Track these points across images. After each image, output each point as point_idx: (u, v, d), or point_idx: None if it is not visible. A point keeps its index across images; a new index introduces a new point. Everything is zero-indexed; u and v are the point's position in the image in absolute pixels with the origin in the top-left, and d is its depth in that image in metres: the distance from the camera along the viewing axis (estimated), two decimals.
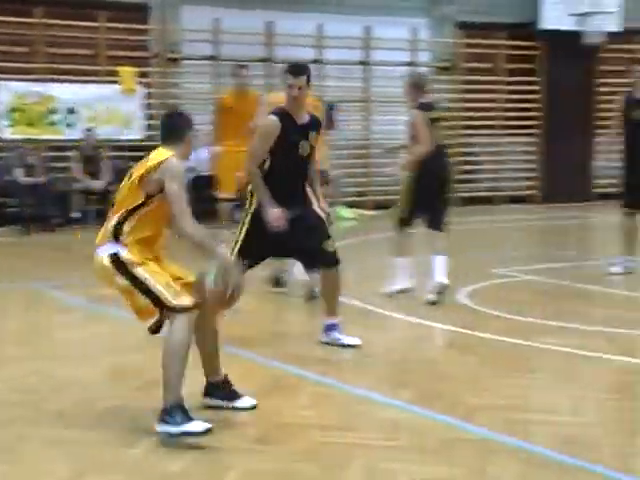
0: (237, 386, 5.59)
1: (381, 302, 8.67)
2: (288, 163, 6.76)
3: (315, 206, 7.02)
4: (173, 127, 5.34)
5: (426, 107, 8.79)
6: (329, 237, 6.88)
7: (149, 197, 5.01)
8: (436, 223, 8.70)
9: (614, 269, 10.16)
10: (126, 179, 5.15)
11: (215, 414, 5.26)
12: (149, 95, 15.81)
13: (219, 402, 5.40)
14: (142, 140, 15.43)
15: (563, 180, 18.58)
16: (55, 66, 15.00)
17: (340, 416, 5.39)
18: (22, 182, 13.83)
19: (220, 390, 5.41)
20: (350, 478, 4.46)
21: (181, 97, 16.47)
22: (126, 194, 5.07)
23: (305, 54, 17.00)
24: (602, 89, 19.04)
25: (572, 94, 18.52)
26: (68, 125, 14.84)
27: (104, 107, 15.04)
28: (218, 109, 11.16)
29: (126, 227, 5.02)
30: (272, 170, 6.76)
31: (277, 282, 9.21)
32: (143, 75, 15.70)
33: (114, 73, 15.20)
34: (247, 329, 7.59)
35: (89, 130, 14.59)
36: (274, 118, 6.73)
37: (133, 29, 15.85)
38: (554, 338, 7.19)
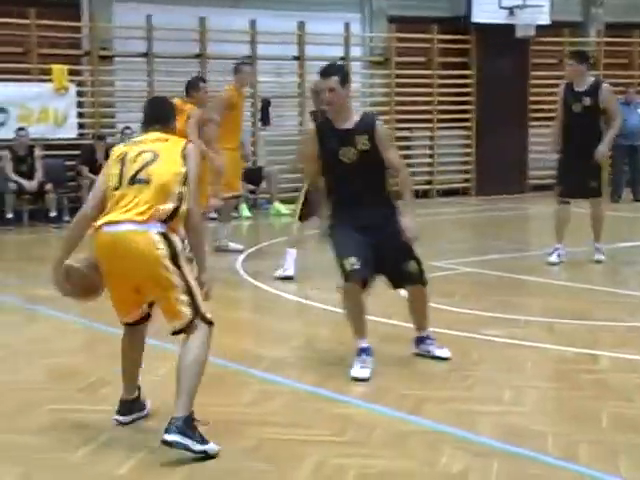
0: (170, 385, 5.55)
1: (322, 297, 8.66)
2: (335, 174, 6.21)
3: (399, 223, 6.19)
4: (167, 112, 5.25)
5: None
6: (410, 257, 6.27)
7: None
8: None
9: (551, 258, 10.31)
10: (147, 157, 4.87)
11: (153, 414, 5.21)
12: (81, 93, 15.61)
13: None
14: (75, 139, 15.26)
15: (497, 172, 18.76)
16: None
17: (287, 413, 5.38)
18: None
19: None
20: (301, 474, 4.46)
21: (114, 95, 16.30)
22: (168, 175, 4.81)
23: (238, 50, 16.97)
24: (534, 81, 19.27)
25: (505, 87, 18.71)
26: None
27: (36, 106, 14.80)
28: (224, 106, 10.87)
29: (178, 216, 4.79)
30: (327, 184, 6.30)
31: None
32: (75, 73, 15.50)
33: (46, 71, 14.96)
34: None
35: (21, 129, 14.34)
36: (311, 126, 6.31)
37: (64, 26, 15.61)
38: (496, 329, 7.27)
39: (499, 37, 18.35)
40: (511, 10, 18.29)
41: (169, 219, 4.76)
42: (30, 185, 14.20)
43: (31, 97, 14.76)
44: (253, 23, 16.71)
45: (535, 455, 4.65)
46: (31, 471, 4.48)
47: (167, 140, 5.02)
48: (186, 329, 4.77)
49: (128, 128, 15.33)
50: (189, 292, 4.74)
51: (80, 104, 15.58)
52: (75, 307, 8.75)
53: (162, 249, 4.70)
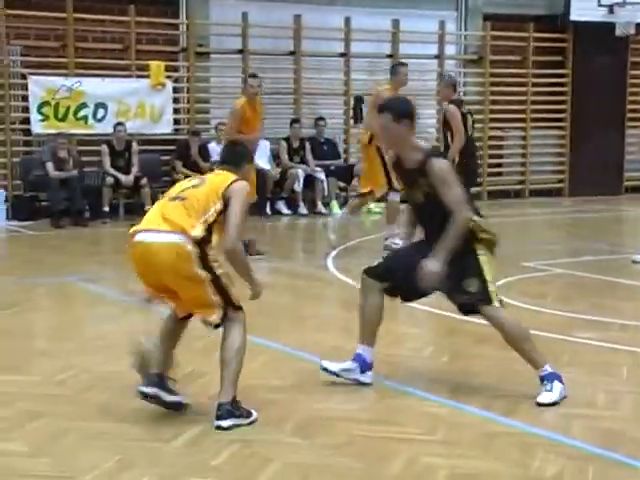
0: (270, 379, 5.62)
1: None
2: (415, 211, 5.92)
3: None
4: (238, 155, 5.59)
5: (458, 103, 10.14)
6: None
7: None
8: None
9: (636, 257, 10.20)
10: (196, 182, 5.28)
11: (245, 407, 5.28)
12: (177, 89, 15.85)
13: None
14: (170, 134, 15.50)
15: (592, 173, 18.45)
16: (85, 61, 15.05)
17: (378, 410, 5.39)
18: (53, 176, 13.88)
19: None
20: (390, 472, 4.47)
21: (209, 91, 16.50)
22: (206, 200, 5.14)
23: (332, 47, 17.03)
24: (633, 81, 18.90)
25: (602, 86, 18.38)
26: (98, 120, 14.87)
27: (133, 101, 15.08)
28: (237, 115, 11.02)
29: (211, 230, 5.12)
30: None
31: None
32: (172, 69, 15.74)
33: (144, 67, 15.23)
34: (274, 320, 7.62)
35: (119, 124, 14.62)
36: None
37: (162, 23, 15.88)
38: (589, 332, 7.17)
39: (597, 35, 18.04)
40: (611, 8, 17.97)
41: (198, 244, 5.05)
42: (126, 179, 14.46)
43: (129, 93, 15.06)
44: (348, 20, 16.74)
45: (632, 462, 4.57)
46: (128, 458, 4.58)
47: (220, 175, 5.36)
48: (222, 321, 5.16)
49: (222, 124, 15.51)
50: (220, 288, 5.11)
51: (176, 100, 15.83)
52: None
53: (189, 253, 5.02)
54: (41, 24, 14.91)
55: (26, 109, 14.67)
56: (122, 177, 14.47)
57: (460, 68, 18.55)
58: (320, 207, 15.60)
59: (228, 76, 16.58)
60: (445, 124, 11.19)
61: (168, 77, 15.46)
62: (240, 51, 16.17)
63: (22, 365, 6.27)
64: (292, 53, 16.56)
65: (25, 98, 14.68)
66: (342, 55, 16.98)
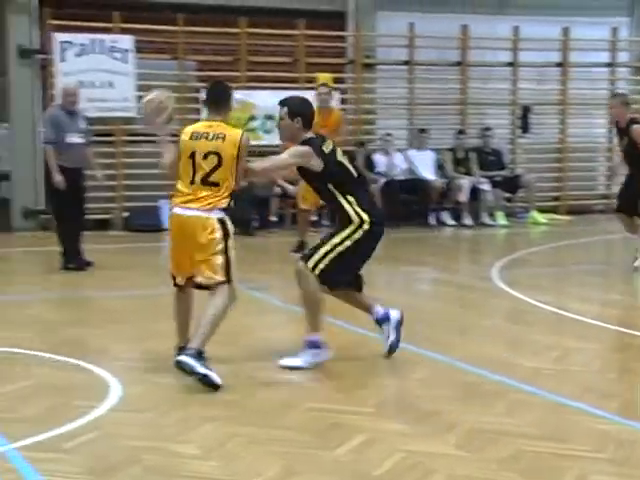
0: (434, 390, 5.58)
1: (579, 309, 8.45)
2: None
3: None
4: (225, 97, 6.45)
5: (636, 120, 10.08)
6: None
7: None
8: None
9: None
10: (210, 160, 6.16)
11: (413, 419, 5.26)
12: (344, 100, 15.99)
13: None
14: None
15: None
16: (256, 74, 15.40)
17: (545, 425, 5.27)
18: None
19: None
20: None
21: (375, 102, 16.58)
22: (231, 173, 6.16)
23: (499, 57, 16.82)
24: None
25: None
26: (266, 131, 15.17)
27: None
28: None
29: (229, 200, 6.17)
30: None
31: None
32: (339, 81, 15.89)
33: (312, 80, 15.44)
34: (438, 331, 7.57)
35: None
36: None
37: (330, 36, 16.08)
38: None
39: None
40: None
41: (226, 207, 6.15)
42: (294, 189, 14.60)
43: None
44: (516, 29, 16.50)
45: None
46: (293, 465, 4.63)
47: (223, 136, 6.23)
48: (214, 287, 6.08)
49: (389, 134, 15.58)
50: (227, 260, 6.10)
51: (342, 111, 15.95)
52: (333, 310, 9.01)
53: (218, 229, 6.08)
54: (215, 39, 15.36)
55: (196, 122, 15.08)
56: (289, 187, 14.64)
57: (633, 75, 17.99)
58: (485, 218, 15.42)
59: (394, 87, 16.62)
60: (634, 145, 10.35)
61: (335, 89, 15.61)
62: (406, 62, 16.19)
63: None
64: (458, 63, 16.46)
65: (199, 111, 15.13)
66: (509, 64, 16.76)
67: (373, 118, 16.53)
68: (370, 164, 15.23)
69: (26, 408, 5.49)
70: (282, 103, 6.62)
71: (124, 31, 14.52)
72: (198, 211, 6.14)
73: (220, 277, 6.08)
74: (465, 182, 15.39)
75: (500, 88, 17.06)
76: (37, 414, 5.39)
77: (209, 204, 6.12)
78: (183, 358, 5.86)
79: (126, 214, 14.73)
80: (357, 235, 6.42)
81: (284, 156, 6.52)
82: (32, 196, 14.55)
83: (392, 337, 6.62)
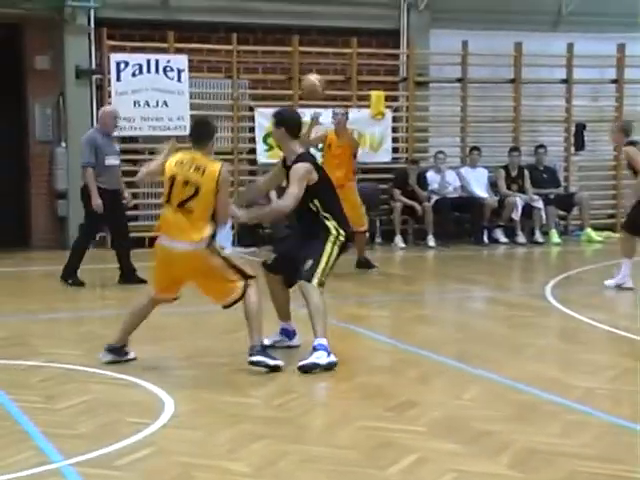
0: (486, 410, 5.52)
1: (635, 328, 8.33)
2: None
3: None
4: (206, 134, 6.84)
5: (634, 143, 10.26)
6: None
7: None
8: None
9: None
10: (188, 188, 6.60)
11: (465, 439, 5.22)
12: (396, 118, 15.99)
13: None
14: (389, 162, 15.64)
15: None
16: None
17: (601, 446, 5.19)
18: None
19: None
20: None
21: (428, 120, 16.55)
22: (207, 205, 6.57)
23: (554, 74, 16.71)
24: None
25: None
26: (319, 149, 15.15)
27: (355, 131, 15.31)
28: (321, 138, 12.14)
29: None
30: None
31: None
32: (391, 99, 15.90)
33: (364, 97, 15.48)
34: (491, 350, 7.51)
35: None
36: None
37: (383, 54, 16.10)
38: None
39: None
40: None
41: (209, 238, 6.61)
42: None
43: (349, 122, 15.26)
44: (571, 46, 16.39)
45: None
46: None
47: (205, 168, 6.62)
48: (236, 301, 6.69)
49: (441, 152, 15.53)
50: (234, 266, 6.66)
51: (395, 129, 15.97)
52: (385, 328, 8.99)
53: (202, 252, 6.56)
54: (268, 58, 15.47)
55: (252, 140, 15.22)
56: None
57: None
58: (538, 236, 15.29)
59: (447, 105, 16.58)
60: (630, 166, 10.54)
61: (388, 107, 15.63)
62: (459, 80, 16.15)
63: (245, 387, 6.45)
64: (512, 81, 16.37)
65: (252, 129, 15.24)
66: (564, 81, 16.64)
67: (426, 136, 16.49)
68: (423, 182, 15.20)
69: (81, 425, 5.54)
70: (273, 115, 7.35)
71: (178, 51, 14.68)
72: (186, 244, 6.61)
73: (238, 290, 6.67)
74: (518, 200, 15.28)
75: (554, 105, 16.94)
76: (91, 431, 5.44)
77: (193, 236, 6.57)
78: (257, 358, 6.66)
79: None
80: (338, 243, 7.06)
81: (295, 188, 6.98)
82: None
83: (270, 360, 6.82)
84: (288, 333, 7.58)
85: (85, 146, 10.91)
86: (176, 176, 6.67)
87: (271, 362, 6.70)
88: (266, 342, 7.09)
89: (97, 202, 10.64)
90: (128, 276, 10.84)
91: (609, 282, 10.51)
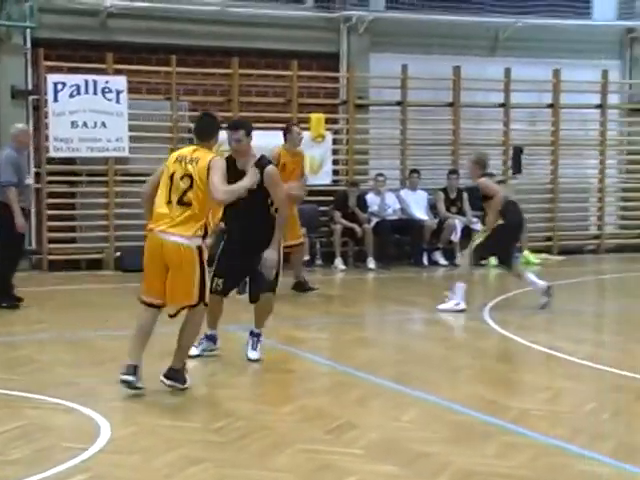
0: (424, 432, 5.58)
1: (571, 349, 8.48)
2: (233, 209, 7.73)
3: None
4: (211, 129, 7.05)
5: (490, 175, 11.01)
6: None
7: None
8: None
9: None
10: (184, 181, 6.68)
11: (403, 461, 5.26)
12: (336, 141, 16.09)
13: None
14: (329, 185, 15.70)
15: None
16: (248, 114, 15.49)
17: (536, 467, 5.26)
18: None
19: None
20: None
21: (367, 142, 16.68)
22: (204, 197, 6.63)
23: (491, 98, 16.97)
24: None
25: None
26: None
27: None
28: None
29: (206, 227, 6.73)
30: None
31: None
32: (331, 122, 16.00)
33: (304, 120, 15.55)
34: (429, 371, 7.59)
35: None
36: None
37: (323, 77, 16.22)
38: None
39: None
40: None
41: (204, 232, 6.71)
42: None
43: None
44: (508, 71, 16.66)
45: None
46: None
47: (200, 160, 6.76)
48: (190, 308, 6.79)
49: (381, 175, 15.65)
50: (203, 284, 6.75)
51: (335, 151, 16.06)
52: (324, 350, 9.02)
53: (192, 255, 6.66)
54: (208, 80, 15.49)
55: None
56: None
57: (624, 117, 18.15)
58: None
59: (387, 127, 16.73)
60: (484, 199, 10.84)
61: (328, 129, 15.73)
62: (399, 103, 16.31)
63: (184, 411, 6.44)
64: (451, 104, 16.59)
65: None
66: (501, 105, 16.90)
67: (366, 158, 16.62)
68: (363, 204, 15.29)
69: (15, 451, 5.48)
70: (237, 126, 7.71)
71: (117, 72, 14.62)
72: (178, 237, 6.64)
73: (192, 301, 6.77)
74: (457, 222, 15.45)
75: (492, 129, 17.20)
76: (26, 456, 5.38)
77: (187, 230, 6.64)
78: (168, 382, 6.88)
79: (118, 254, 14.73)
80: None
81: (281, 191, 7.69)
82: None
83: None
84: (214, 339, 8.19)
85: (7, 165, 10.56)
86: (175, 173, 6.76)
87: (182, 385, 6.92)
88: (195, 352, 7.75)
89: (22, 222, 10.41)
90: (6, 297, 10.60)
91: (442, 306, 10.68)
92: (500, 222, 10.64)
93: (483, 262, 11.64)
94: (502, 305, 11.15)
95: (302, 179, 12.01)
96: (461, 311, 10.47)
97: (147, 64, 15.10)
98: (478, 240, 10.84)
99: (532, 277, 11.05)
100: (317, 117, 15.59)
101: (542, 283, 10.90)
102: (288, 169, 11.49)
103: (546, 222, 17.32)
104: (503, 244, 10.81)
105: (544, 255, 16.34)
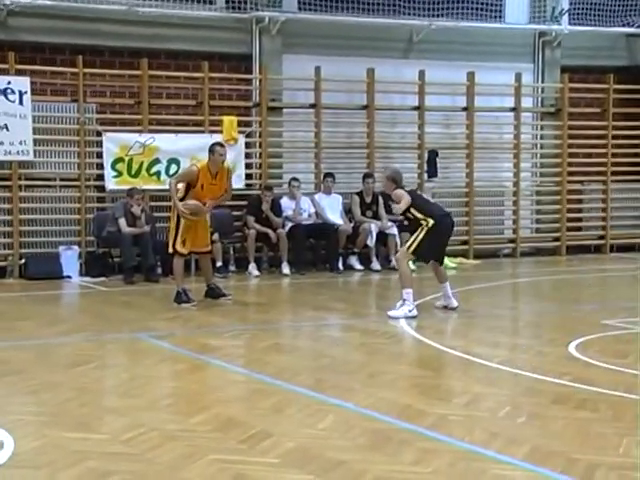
0: (339, 439, 5.58)
1: (487, 354, 8.59)
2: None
3: None
4: None
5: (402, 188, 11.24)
6: None
7: None
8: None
9: None
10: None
11: (319, 469, 5.25)
12: (249, 144, 16.05)
13: None
14: (242, 189, 15.62)
15: None
16: (159, 117, 15.38)
17: (452, 473, 5.31)
18: (126, 232, 14.13)
19: None
20: None
21: (281, 145, 16.68)
22: None
23: (406, 101, 17.13)
24: None
25: None
26: (170, 175, 15.02)
27: (206, 157, 15.25)
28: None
29: None
30: None
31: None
32: (244, 124, 15.96)
33: (216, 123, 15.49)
34: (345, 378, 7.61)
35: None
36: None
37: (236, 79, 16.17)
38: None
39: None
40: None
41: None
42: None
43: (201, 148, 15.11)
44: (422, 74, 16.83)
45: None
46: None
47: None
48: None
49: (295, 179, 15.66)
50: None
51: (248, 155, 16.02)
52: (239, 357, 8.98)
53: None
54: (116, 82, 15.32)
55: (100, 166, 15.00)
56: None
57: (537, 121, 18.51)
58: (394, 263, 15.56)
59: (301, 130, 16.76)
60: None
61: (241, 132, 15.68)
62: (313, 105, 16.35)
63: (92, 422, 6.33)
64: (365, 107, 16.69)
65: (99, 155, 15.03)
66: (416, 108, 17.06)
67: (280, 162, 16.62)
68: (277, 208, 15.29)
69: None
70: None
71: (19, 72, 14.35)
72: None
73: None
74: (373, 226, 15.54)
75: (407, 132, 17.37)
76: None
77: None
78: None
79: (22, 261, 14.46)
80: None
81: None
82: None
83: None
84: None
85: None
86: None
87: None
88: None
89: None
90: None
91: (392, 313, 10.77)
92: (431, 223, 10.78)
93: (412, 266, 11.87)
94: (419, 309, 11.22)
95: (223, 196, 11.88)
96: (412, 317, 10.56)
97: (52, 64, 14.88)
98: (411, 243, 10.94)
99: (449, 291, 11.26)
100: (229, 120, 15.53)
101: (454, 303, 11.21)
102: (206, 189, 11.40)
103: (462, 226, 17.51)
104: (436, 244, 11.02)
105: (460, 259, 16.54)
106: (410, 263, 15.17)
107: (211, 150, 11.76)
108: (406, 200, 10.97)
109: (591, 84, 18.45)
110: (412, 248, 10.98)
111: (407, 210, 11.01)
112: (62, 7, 14.83)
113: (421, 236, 10.90)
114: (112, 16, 15.15)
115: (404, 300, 10.70)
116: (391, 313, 10.70)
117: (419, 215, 10.96)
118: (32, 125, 14.38)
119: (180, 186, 11.46)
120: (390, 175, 11.32)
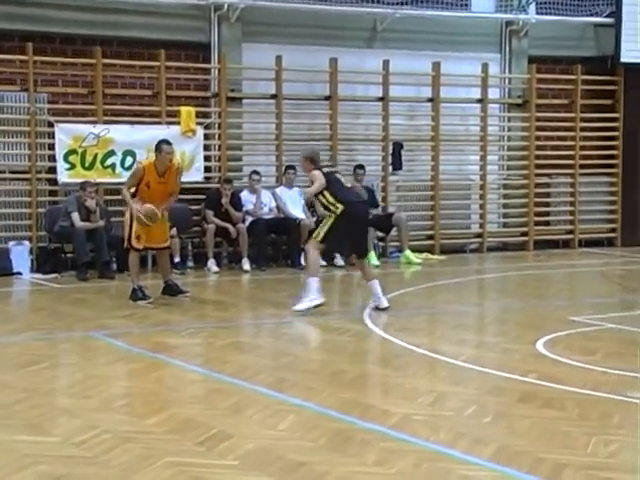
0: (301, 440, 5.57)
1: (452, 352, 8.63)
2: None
3: None
4: None
5: (321, 168, 11.03)
6: None
7: None
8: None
9: None
10: None
11: (279, 471, 5.25)
12: (208, 136, 15.99)
13: None
14: (201, 182, 15.57)
15: None
16: (114, 107, 15.27)
17: (416, 474, 5.33)
18: (79, 227, 14.03)
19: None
20: None
21: (241, 137, 16.63)
22: None
23: (370, 91, 17.15)
24: None
25: None
26: (126, 168, 14.93)
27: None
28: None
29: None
30: None
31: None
32: (203, 115, 15.90)
33: (174, 114, 15.41)
34: (307, 377, 7.60)
35: None
36: None
37: (193, 68, 16.10)
38: None
39: None
40: None
41: None
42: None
43: (158, 140, 15.16)
44: (386, 63, 16.85)
45: None
46: None
47: None
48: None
49: (256, 172, 15.62)
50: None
51: (207, 147, 15.95)
52: (197, 356, 8.95)
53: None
54: (69, 70, 15.19)
55: (52, 158, 14.87)
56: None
57: (504, 112, 18.60)
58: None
59: (261, 122, 16.72)
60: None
61: (199, 123, 15.61)
62: (274, 96, 16.32)
63: (43, 424, 6.29)
64: (328, 98, 16.69)
65: (51, 146, 14.90)
66: (380, 99, 17.08)
67: (239, 154, 16.57)
68: (237, 202, 15.24)
69: None
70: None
71: None
72: None
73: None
74: None
75: (371, 123, 17.39)
76: None
77: None
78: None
79: None
80: None
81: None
82: None
83: None
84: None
85: None
86: None
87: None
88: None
89: None
90: None
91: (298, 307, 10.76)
92: (340, 209, 10.65)
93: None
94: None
95: (171, 198, 11.86)
96: (318, 305, 10.50)
97: (0, 52, 14.70)
98: (319, 231, 10.88)
99: (379, 290, 10.98)
100: (187, 110, 15.46)
101: (384, 302, 10.90)
102: (153, 188, 11.39)
103: (427, 220, 17.59)
104: (346, 233, 10.82)
105: (425, 254, 16.59)
106: (373, 259, 15.32)
107: (157, 149, 11.71)
108: (320, 183, 10.73)
109: (559, 75, 18.59)
110: (320, 236, 10.77)
111: (320, 193, 10.79)
112: None
113: (329, 223, 10.74)
114: (64, 1, 15.01)
115: (308, 291, 10.67)
116: (296, 307, 10.70)
117: (330, 199, 10.74)
118: None
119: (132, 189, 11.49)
120: (308, 155, 11.14)
